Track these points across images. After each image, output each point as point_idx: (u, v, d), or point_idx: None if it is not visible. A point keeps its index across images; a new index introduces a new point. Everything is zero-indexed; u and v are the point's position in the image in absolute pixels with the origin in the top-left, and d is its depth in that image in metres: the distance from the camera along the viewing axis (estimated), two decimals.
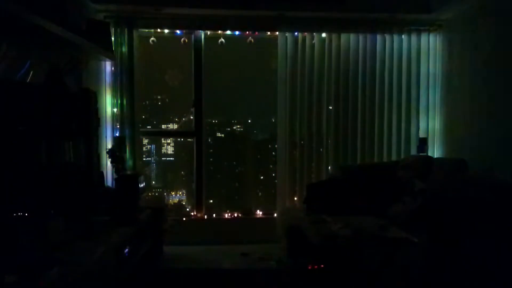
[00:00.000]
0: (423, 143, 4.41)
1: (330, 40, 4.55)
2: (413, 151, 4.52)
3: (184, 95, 4.75)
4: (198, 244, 4.44)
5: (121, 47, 4.27)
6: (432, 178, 3.70)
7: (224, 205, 5.16)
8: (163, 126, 5.30)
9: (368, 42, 4.55)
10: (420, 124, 4.61)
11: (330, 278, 3.37)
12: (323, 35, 4.55)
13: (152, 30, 4.44)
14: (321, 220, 3.13)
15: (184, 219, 4.64)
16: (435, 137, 4.63)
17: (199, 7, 4.17)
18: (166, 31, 4.48)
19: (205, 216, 4.69)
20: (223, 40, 4.52)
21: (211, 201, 5.03)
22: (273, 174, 5.03)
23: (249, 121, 5.43)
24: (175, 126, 5.17)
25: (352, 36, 4.54)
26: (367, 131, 4.58)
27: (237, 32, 4.55)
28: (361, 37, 4.54)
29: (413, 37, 4.56)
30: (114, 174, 4.13)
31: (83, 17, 3.56)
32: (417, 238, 2.72)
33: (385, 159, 4.58)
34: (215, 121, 5.43)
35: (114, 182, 4.07)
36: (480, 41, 3.85)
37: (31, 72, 2.75)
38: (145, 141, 5.29)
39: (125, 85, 4.30)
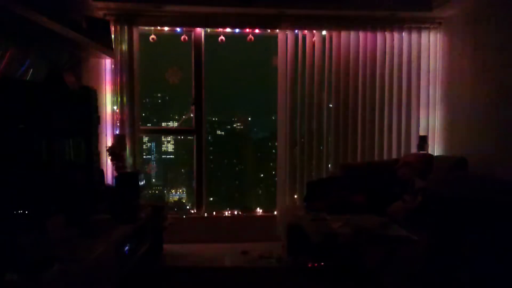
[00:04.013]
0: (423, 141, 4.40)
1: (330, 38, 4.54)
2: (413, 149, 4.52)
3: (184, 93, 4.75)
4: (198, 242, 4.45)
5: (121, 45, 4.26)
6: (432, 176, 3.70)
7: (224, 203, 5.16)
8: (163, 124, 5.30)
9: (369, 40, 4.54)
10: (420, 122, 4.61)
11: (330, 276, 3.37)
12: (324, 32, 4.54)
13: (152, 28, 4.43)
14: (321, 218, 3.13)
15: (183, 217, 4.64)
16: (436, 135, 4.63)
17: (199, 5, 4.16)
18: (166, 28, 4.48)
19: (205, 214, 4.69)
20: (223, 37, 4.52)
21: (211, 199, 5.04)
22: (273, 172, 5.03)
23: (249, 119, 5.43)
24: (175, 124, 5.16)
25: (352, 34, 4.53)
26: (367, 129, 4.58)
27: (237, 30, 4.55)
28: (361, 35, 4.53)
29: (414, 35, 4.55)
30: (114, 172, 4.14)
31: (83, 15, 3.55)
32: (417, 236, 2.73)
33: (385, 157, 4.58)
34: (215, 119, 5.43)
35: (114, 180, 4.08)
36: (481, 39, 3.85)
37: (31, 70, 2.74)
38: (145, 139, 5.30)
39: (125, 83, 4.30)
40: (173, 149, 5.59)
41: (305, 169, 4.60)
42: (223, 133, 5.51)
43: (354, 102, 4.57)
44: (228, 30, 4.53)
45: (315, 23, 4.47)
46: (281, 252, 4.02)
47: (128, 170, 4.17)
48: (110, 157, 4.09)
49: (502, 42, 3.55)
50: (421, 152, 4.30)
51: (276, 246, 4.17)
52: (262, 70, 5.14)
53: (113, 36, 4.19)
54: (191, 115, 4.69)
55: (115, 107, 4.35)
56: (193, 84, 4.61)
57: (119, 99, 4.32)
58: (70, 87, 3.08)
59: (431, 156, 4.09)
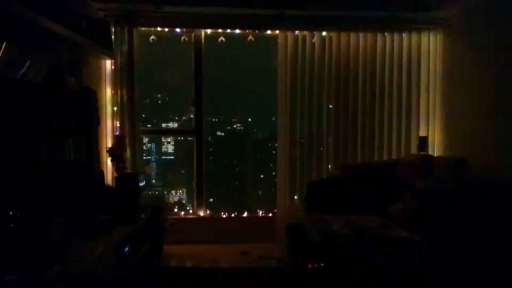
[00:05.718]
0: (423, 141, 4.40)
1: (330, 39, 4.55)
2: (414, 150, 4.52)
3: (184, 93, 4.75)
4: (198, 243, 4.44)
5: (121, 46, 4.26)
6: (432, 177, 3.69)
7: (224, 204, 5.16)
8: (163, 125, 5.30)
9: (368, 41, 4.54)
10: (420, 123, 4.61)
11: (330, 277, 3.37)
12: (324, 33, 4.55)
13: (152, 29, 4.44)
14: (321, 219, 3.14)
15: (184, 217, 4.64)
16: (436, 135, 4.62)
17: (199, 6, 4.17)
18: (166, 29, 4.48)
19: (206, 214, 4.68)
20: (223, 38, 4.52)
21: (211, 199, 5.04)
22: (273, 173, 5.03)
23: (249, 119, 5.43)
24: (175, 125, 5.16)
25: (352, 35, 4.53)
26: (368, 129, 4.58)
27: (237, 31, 4.55)
28: (361, 35, 4.53)
29: (414, 36, 4.55)
30: (114, 172, 4.14)
31: (83, 16, 3.55)
32: (417, 237, 2.73)
33: (385, 158, 4.58)
34: (215, 120, 5.43)
35: (114, 181, 4.07)
36: (481, 40, 3.85)
37: (31, 71, 2.74)
38: (145, 139, 5.30)
39: (125, 83, 4.30)
40: (173, 150, 5.60)
41: (305, 169, 4.59)
42: (223, 133, 5.51)
43: (354, 102, 4.56)
44: (228, 31, 4.53)
45: (315, 24, 4.48)
46: (281, 252, 4.01)
47: (128, 171, 4.17)
48: (110, 158, 4.09)
49: (502, 42, 3.55)
50: (421, 152, 4.30)
51: (276, 247, 4.16)
52: (262, 70, 5.14)
53: (113, 37, 4.19)
54: (191, 115, 4.69)
55: (115, 108, 4.35)
56: (193, 85, 4.61)
57: (119, 99, 4.32)
58: (70, 87, 3.08)
59: (431, 156, 4.09)
